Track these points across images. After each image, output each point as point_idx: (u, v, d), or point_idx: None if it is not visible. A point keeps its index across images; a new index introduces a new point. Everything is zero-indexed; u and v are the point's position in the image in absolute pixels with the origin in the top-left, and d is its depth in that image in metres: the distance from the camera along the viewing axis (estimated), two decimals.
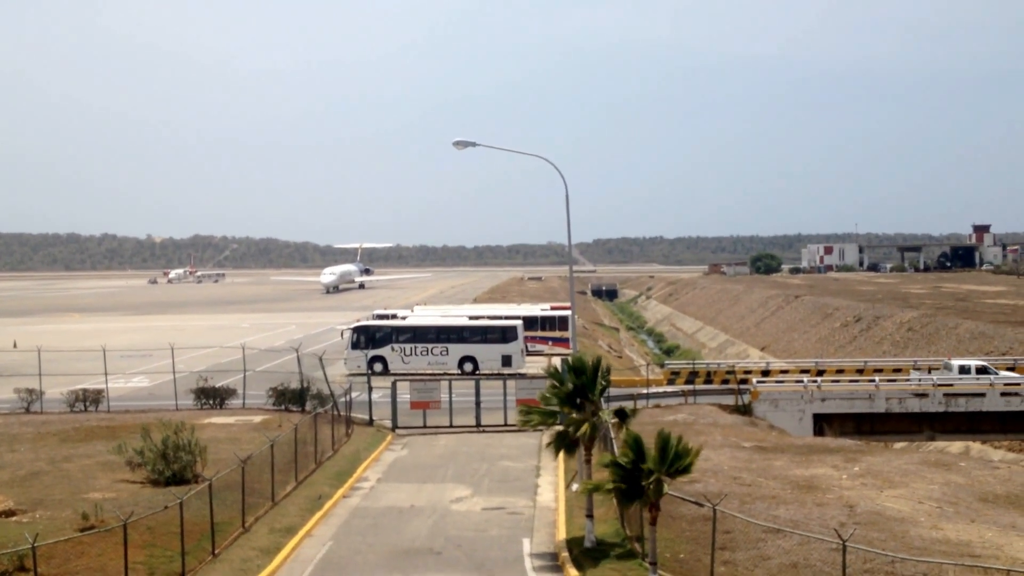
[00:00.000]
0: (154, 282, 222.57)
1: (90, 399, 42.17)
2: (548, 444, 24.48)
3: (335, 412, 36.62)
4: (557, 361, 31.23)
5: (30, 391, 41.97)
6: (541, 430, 29.53)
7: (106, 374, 44.97)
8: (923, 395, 42.13)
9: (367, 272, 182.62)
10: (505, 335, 55.37)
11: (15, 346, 64.81)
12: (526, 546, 23.61)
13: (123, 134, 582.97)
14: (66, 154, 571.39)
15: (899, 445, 43.10)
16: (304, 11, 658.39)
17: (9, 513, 24.09)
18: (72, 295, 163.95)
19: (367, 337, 55.62)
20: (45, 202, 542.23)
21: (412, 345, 55.28)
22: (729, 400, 43.40)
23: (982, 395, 42.12)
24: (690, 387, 46.44)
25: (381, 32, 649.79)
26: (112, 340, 63.89)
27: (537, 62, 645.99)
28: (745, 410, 42.23)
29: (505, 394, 39.42)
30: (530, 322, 63.74)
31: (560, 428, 24.13)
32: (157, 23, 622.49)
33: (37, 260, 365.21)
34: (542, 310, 70.48)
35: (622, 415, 23.33)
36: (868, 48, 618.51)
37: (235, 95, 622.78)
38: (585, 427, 22.98)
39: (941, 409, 42.13)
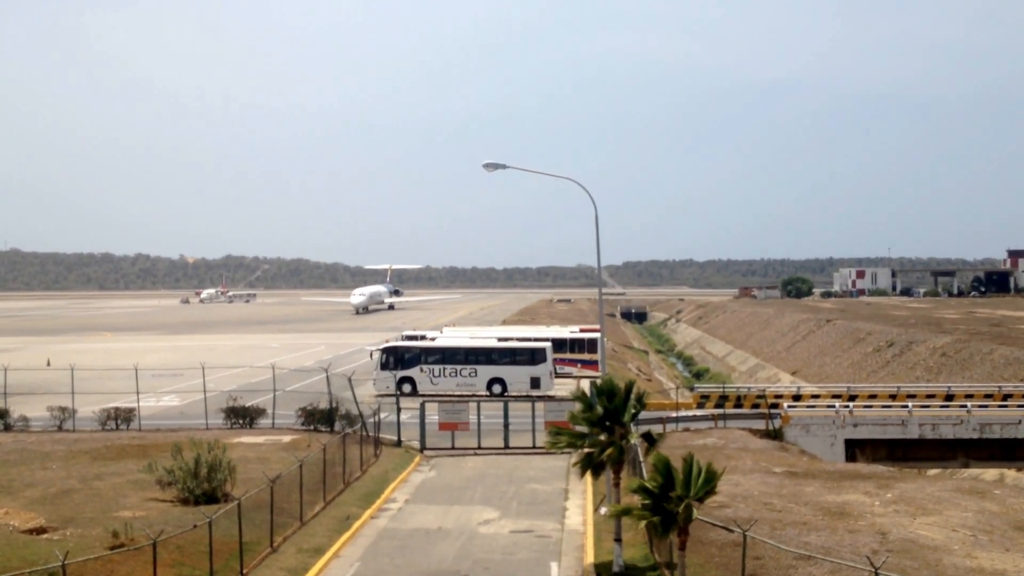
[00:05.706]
0: (186, 302, 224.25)
1: (121, 418, 42.61)
2: (575, 464, 24.35)
3: (364, 433, 36.68)
4: (586, 384, 31.09)
5: (62, 409, 42.48)
6: (569, 452, 29.45)
7: (137, 393, 45.47)
8: (957, 422, 41.59)
9: (397, 293, 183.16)
10: (534, 357, 55.31)
11: (48, 364, 65.47)
12: (554, 570, 23.47)
13: (157, 158, 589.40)
14: (101, 177, 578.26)
15: (932, 472, 42.51)
16: (333, 38, 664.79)
17: (40, 530, 24.28)
18: (105, 314, 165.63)
19: (396, 358, 55.74)
20: (80, 222, 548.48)
21: (441, 366, 55.34)
22: (759, 424, 43.05)
23: (1017, 422, 41.54)
24: (720, 411, 46.04)
25: (411, 56, 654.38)
26: (144, 359, 64.48)
27: (566, 84, 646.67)
28: (776, 435, 41.86)
29: (534, 416, 39.35)
30: (559, 344, 63.57)
31: (588, 450, 23.99)
32: (193, 60, 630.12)
33: (72, 280, 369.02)
34: (571, 332, 70.30)
35: (649, 439, 23.17)
36: (902, 70, 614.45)
37: (267, 121, 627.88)
38: (611, 450, 22.83)
39: (976, 436, 41.59)
